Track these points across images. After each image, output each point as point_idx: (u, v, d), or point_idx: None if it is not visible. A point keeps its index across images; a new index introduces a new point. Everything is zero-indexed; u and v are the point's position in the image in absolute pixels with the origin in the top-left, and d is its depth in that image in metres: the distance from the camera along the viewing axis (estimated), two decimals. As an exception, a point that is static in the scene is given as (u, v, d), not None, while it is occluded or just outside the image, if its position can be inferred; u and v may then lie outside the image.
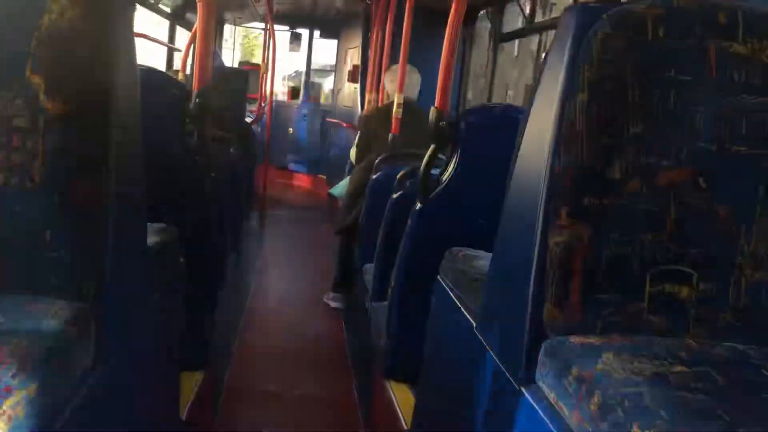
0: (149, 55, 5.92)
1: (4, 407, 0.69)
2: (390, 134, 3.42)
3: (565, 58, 1.04)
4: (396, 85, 3.71)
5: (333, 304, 3.87)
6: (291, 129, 8.74)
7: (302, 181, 8.54)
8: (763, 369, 0.88)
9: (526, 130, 1.16)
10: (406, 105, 3.68)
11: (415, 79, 3.83)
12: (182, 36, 6.10)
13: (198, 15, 2.01)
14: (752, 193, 1.01)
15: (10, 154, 0.93)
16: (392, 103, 3.68)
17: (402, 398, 2.07)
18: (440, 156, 2.28)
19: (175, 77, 4.51)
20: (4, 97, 0.93)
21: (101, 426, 1.01)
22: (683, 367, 0.86)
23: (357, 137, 3.93)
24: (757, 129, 1.01)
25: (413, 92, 3.82)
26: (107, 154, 0.97)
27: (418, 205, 2.16)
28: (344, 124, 7.40)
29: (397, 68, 3.79)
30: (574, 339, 0.96)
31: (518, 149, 1.19)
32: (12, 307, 0.89)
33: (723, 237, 1.01)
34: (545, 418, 0.93)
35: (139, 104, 1.15)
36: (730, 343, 0.99)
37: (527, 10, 4.18)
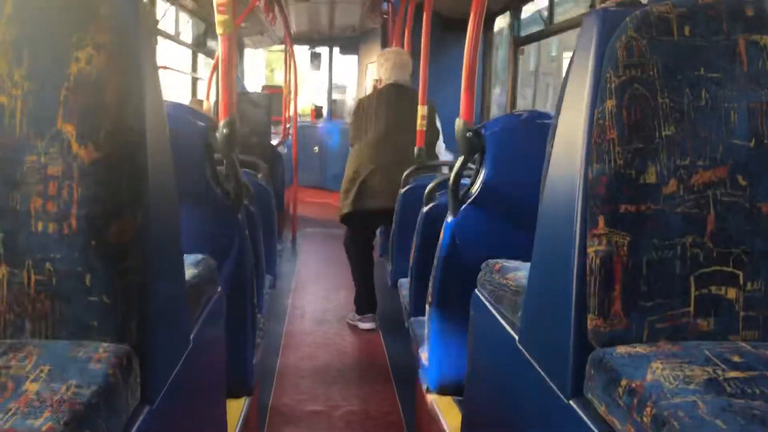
0: (173, 82, 6.03)
1: None
2: (416, 148, 3.42)
3: (590, 64, 1.02)
4: (384, 70, 3.69)
5: (362, 326, 3.79)
6: (317, 148, 8.80)
7: (331, 198, 8.59)
8: None
9: (556, 138, 1.15)
10: (401, 88, 3.67)
11: (405, 60, 3.79)
12: (204, 62, 6.20)
13: (220, 47, 2.03)
14: None
15: (47, 203, 0.95)
16: (385, 86, 3.67)
17: (447, 411, 2.05)
18: (470, 166, 2.27)
19: (199, 107, 4.58)
20: (38, 147, 0.95)
21: None
22: (738, 372, 0.84)
23: (351, 120, 3.89)
24: None
25: (405, 74, 3.74)
26: (141, 196, 0.99)
27: (450, 218, 2.16)
28: None
29: (386, 52, 3.82)
30: (621, 349, 0.95)
31: (549, 158, 1.18)
32: (58, 353, 0.90)
33: (766, 233, 0.98)
34: (595, 431, 0.91)
35: (168, 142, 1.16)
36: None
37: (545, 13, 4.16)
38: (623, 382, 0.88)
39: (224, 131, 1.94)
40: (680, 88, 0.98)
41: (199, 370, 1.39)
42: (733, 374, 0.83)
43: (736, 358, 0.87)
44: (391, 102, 3.61)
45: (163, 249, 1.07)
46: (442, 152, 3.81)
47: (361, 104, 3.74)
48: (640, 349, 0.93)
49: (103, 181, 0.96)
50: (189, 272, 1.41)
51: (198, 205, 1.85)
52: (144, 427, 0.94)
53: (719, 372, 0.84)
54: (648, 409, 0.81)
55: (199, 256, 1.58)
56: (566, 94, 1.12)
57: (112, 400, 0.86)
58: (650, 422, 0.80)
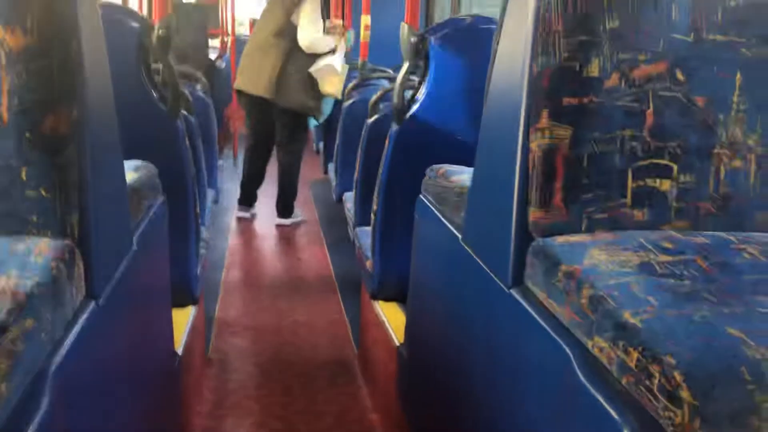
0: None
1: (4, 343, 0.69)
2: (360, 59, 3.37)
3: None
4: None
5: (240, 215, 4.22)
6: None
7: None
8: (745, 252, 0.90)
9: (502, 34, 1.15)
10: None
11: None
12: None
13: None
14: (729, 82, 1.01)
15: None
16: None
17: (391, 316, 2.11)
18: (412, 77, 2.25)
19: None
20: None
21: (99, 359, 1.02)
22: (668, 256, 0.88)
23: None
24: (732, 16, 1.01)
25: None
26: (76, 87, 0.95)
27: (395, 127, 2.15)
28: None
29: None
30: (561, 239, 0.98)
31: (494, 55, 1.18)
32: None
33: (701, 127, 1.02)
34: (536, 316, 0.95)
35: (103, 36, 1.11)
36: (712, 231, 1.02)
37: None
38: (562, 268, 0.91)
39: (159, 33, 1.86)
40: None
41: (144, 274, 1.38)
42: (664, 258, 0.88)
43: (667, 245, 0.92)
44: None
45: (101, 144, 1.03)
46: (316, 40, 3.72)
47: None
48: (578, 238, 0.97)
49: (34, 70, 0.91)
50: (130, 176, 1.37)
51: (133, 110, 1.79)
52: (89, 322, 0.93)
53: (652, 256, 0.88)
54: (585, 291, 0.85)
55: (140, 162, 1.54)
56: None
57: (56, 291, 0.85)
58: (587, 303, 0.84)
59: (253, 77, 3.74)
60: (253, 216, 4.28)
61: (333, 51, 3.73)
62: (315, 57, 3.69)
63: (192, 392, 2.00)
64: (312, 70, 3.69)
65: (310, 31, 3.62)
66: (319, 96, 3.78)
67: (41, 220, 0.94)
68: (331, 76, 3.66)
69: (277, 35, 3.66)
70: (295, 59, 3.67)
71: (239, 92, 3.88)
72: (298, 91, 3.69)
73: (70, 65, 0.93)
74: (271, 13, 3.75)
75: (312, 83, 3.72)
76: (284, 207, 4.12)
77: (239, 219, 4.28)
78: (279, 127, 3.90)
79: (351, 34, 4.09)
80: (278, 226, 4.16)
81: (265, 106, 3.79)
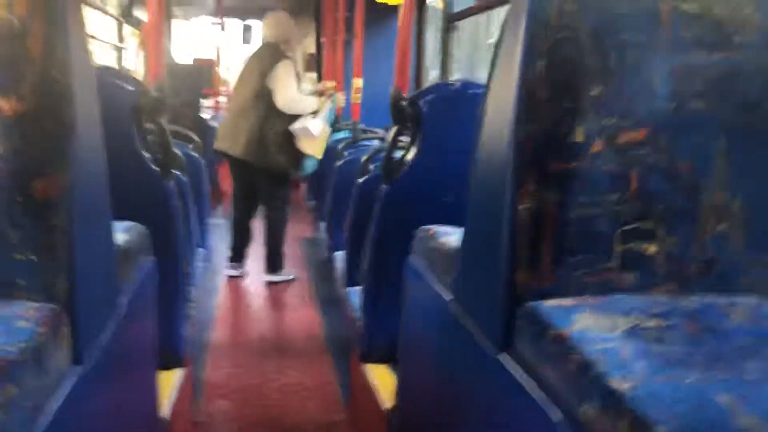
0: (98, 54, 5.80)
1: None
2: (351, 120, 3.43)
3: (522, 27, 1.05)
4: (270, 31, 3.95)
5: (227, 272, 4.23)
6: None
7: None
8: (732, 317, 0.90)
9: (488, 101, 1.17)
10: (264, 46, 3.95)
11: (278, 20, 4.01)
12: (131, 33, 5.98)
13: (148, 11, 1.97)
14: (711, 147, 1.04)
15: None
16: (264, 46, 3.96)
17: (381, 379, 2.08)
18: (401, 138, 2.29)
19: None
20: None
21: (83, 426, 1.00)
22: (656, 321, 0.89)
23: None
24: (712, 85, 1.04)
25: (276, 34, 3.96)
26: (68, 152, 0.96)
27: (385, 187, 2.17)
28: None
29: (273, 14, 4.01)
30: (549, 302, 0.98)
31: (481, 121, 1.20)
32: None
33: (686, 192, 1.04)
34: (525, 381, 0.94)
35: (97, 101, 1.13)
36: (699, 294, 1.02)
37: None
38: (551, 333, 0.91)
39: (153, 95, 1.89)
40: (607, 50, 1.02)
41: (131, 337, 1.36)
42: (652, 323, 0.88)
43: (655, 309, 0.92)
44: (248, 59, 3.99)
45: (91, 208, 1.04)
46: (295, 102, 3.82)
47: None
48: (567, 301, 0.97)
49: (27, 135, 0.92)
50: (120, 237, 1.37)
51: (126, 171, 1.80)
52: (74, 389, 0.92)
53: (640, 321, 0.88)
54: (574, 356, 0.84)
55: (130, 223, 1.54)
56: (498, 56, 1.14)
57: (41, 358, 0.83)
58: (576, 368, 0.83)
59: (231, 139, 3.85)
60: (244, 274, 4.27)
61: (315, 113, 3.81)
62: (295, 117, 3.78)
63: None
64: (291, 128, 3.77)
65: (284, 93, 3.73)
66: (298, 155, 3.85)
67: (28, 284, 0.94)
68: (308, 137, 3.74)
69: (254, 98, 3.78)
70: (273, 121, 3.78)
71: (222, 153, 3.99)
72: (275, 153, 3.79)
73: (63, 131, 0.95)
74: (248, 77, 3.87)
75: (290, 142, 3.82)
76: (272, 263, 4.15)
77: (229, 277, 4.25)
78: (260, 186, 3.99)
79: (340, 96, 4.20)
80: (268, 283, 4.14)
81: (244, 167, 3.90)
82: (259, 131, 3.76)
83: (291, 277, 4.21)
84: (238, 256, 4.23)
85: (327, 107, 3.87)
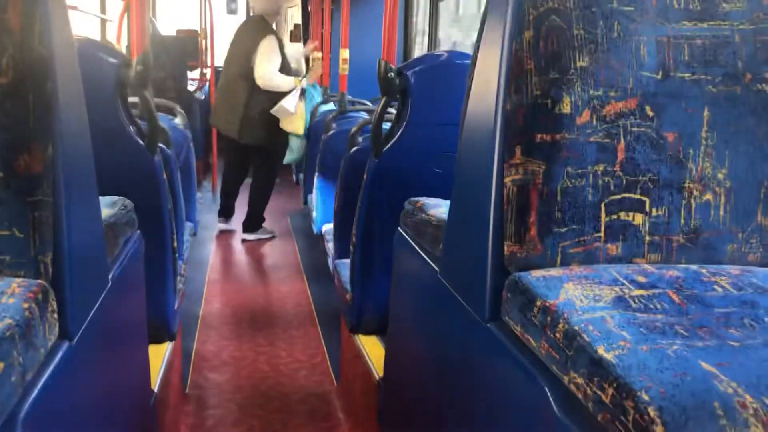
0: (79, 30, 5.70)
1: None
2: (339, 92, 3.41)
3: None
4: (258, 3, 4.01)
5: (219, 227, 4.58)
6: None
7: None
8: (716, 285, 0.92)
9: (475, 72, 1.17)
10: (252, 18, 4.08)
11: None
12: (114, 6, 5.88)
13: None
14: (698, 117, 1.04)
15: None
16: (251, 19, 4.13)
17: (371, 350, 2.10)
18: (390, 110, 2.27)
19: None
20: None
21: (73, 401, 1.00)
22: (641, 290, 0.89)
23: None
24: (698, 54, 1.04)
25: (267, 6, 4.02)
26: (51, 126, 0.94)
27: (373, 160, 2.16)
28: None
29: None
30: (536, 273, 0.99)
31: (468, 92, 1.20)
32: None
33: (672, 162, 1.04)
34: (513, 350, 0.96)
35: (78, 74, 1.11)
36: (684, 263, 1.03)
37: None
38: (537, 303, 0.92)
39: (137, 68, 1.86)
40: (595, 20, 1.01)
41: (120, 311, 1.36)
42: (637, 292, 0.89)
43: (640, 278, 0.93)
44: (235, 34, 4.13)
45: (76, 182, 1.03)
46: (270, 79, 3.97)
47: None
48: (553, 272, 0.98)
49: (8, 110, 0.91)
50: (105, 212, 1.36)
51: (111, 144, 1.78)
52: (63, 363, 0.92)
53: (626, 291, 0.89)
54: (560, 326, 0.85)
55: (116, 198, 1.53)
56: (486, 28, 1.13)
57: (28, 333, 0.83)
58: (562, 337, 0.84)
59: (222, 117, 4.11)
60: (231, 228, 4.62)
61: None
62: (277, 95, 3.94)
63: (169, 430, 1.97)
64: (272, 111, 3.97)
65: (261, 69, 3.87)
66: (281, 132, 4.10)
67: (14, 260, 0.94)
68: (287, 115, 3.92)
69: (240, 77, 3.95)
70: (257, 99, 3.96)
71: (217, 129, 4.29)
72: (261, 129, 4.01)
73: (45, 104, 0.93)
74: (235, 56, 4.02)
75: (274, 120, 4.03)
76: (248, 224, 4.46)
77: (219, 237, 4.50)
78: (249, 158, 4.29)
79: (317, 65, 4.41)
80: (244, 241, 4.49)
81: (235, 143, 4.15)
82: (244, 110, 3.95)
83: (267, 235, 4.51)
84: (226, 212, 4.58)
85: (302, 85, 4.00)
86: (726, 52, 1.04)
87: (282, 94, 3.92)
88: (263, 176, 4.31)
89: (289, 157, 4.35)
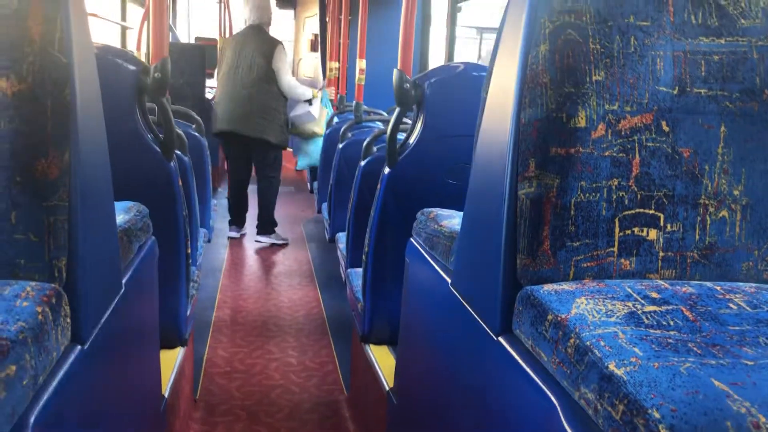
0: (100, 37, 5.77)
1: None
2: (355, 101, 3.43)
3: (525, 10, 1.04)
4: (246, 11, 4.29)
5: (229, 234, 4.74)
6: None
7: None
8: (730, 303, 0.91)
9: (491, 85, 1.17)
10: (252, 29, 4.30)
11: (263, 4, 4.36)
12: (134, 14, 5.95)
13: None
14: (714, 133, 1.03)
15: None
16: (244, 28, 4.36)
17: (381, 359, 2.10)
18: (405, 120, 2.28)
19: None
20: None
21: (84, 405, 1.00)
22: (654, 306, 0.89)
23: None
24: (715, 70, 1.03)
25: (262, 16, 4.34)
26: (68, 132, 0.96)
27: (387, 170, 2.17)
28: None
29: None
30: (548, 287, 0.98)
31: (483, 104, 1.20)
32: None
33: (687, 178, 1.03)
34: (523, 364, 0.95)
35: (97, 80, 1.13)
36: (698, 280, 1.03)
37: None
38: (549, 317, 0.91)
39: (156, 75, 1.88)
40: (611, 34, 1.01)
41: (132, 316, 1.37)
42: (650, 308, 0.88)
43: (654, 294, 0.92)
44: (235, 41, 4.32)
45: (92, 188, 1.04)
46: (295, 87, 4.31)
47: (224, 43, 4.56)
48: (566, 286, 0.97)
49: (27, 115, 0.92)
50: (120, 218, 1.38)
51: (128, 151, 1.80)
52: (75, 368, 0.93)
53: (638, 306, 0.88)
54: (572, 340, 0.85)
55: (131, 203, 1.55)
56: (501, 40, 1.13)
57: (41, 337, 0.84)
58: (573, 352, 0.83)
59: (242, 119, 4.19)
60: (243, 235, 4.80)
61: (310, 101, 4.29)
62: (287, 101, 4.28)
63: None
64: (292, 115, 4.30)
65: (287, 78, 4.21)
66: (289, 133, 4.41)
67: (29, 264, 0.94)
68: (310, 120, 4.27)
69: (263, 82, 4.16)
70: (282, 103, 4.26)
71: (220, 133, 4.33)
72: (282, 130, 4.27)
73: (63, 110, 0.94)
74: (251, 64, 4.18)
75: (287, 121, 4.33)
76: (261, 225, 4.60)
77: (231, 245, 4.57)
78: (258, 160, 4.45)
79: (331, 90, 4.71)
80: (257, 242, 4.65)
81: (245, 144, 4.32)
82: (274, 113, 4.19)
83: (281, 241, 4.64)
84: (239, 220, 4.73)
85: (320, 94, 4.36)
86: (743, 68, 1.04)
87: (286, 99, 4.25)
88: (272, 177, 4.50)
89: (303, 162, 4.58)
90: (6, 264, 0.94)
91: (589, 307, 0.89)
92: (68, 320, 0.95)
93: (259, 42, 4.19)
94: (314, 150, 4.46)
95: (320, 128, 4.38)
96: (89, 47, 1.08)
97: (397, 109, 2.14)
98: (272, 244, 4.61)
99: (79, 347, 0.97)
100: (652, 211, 1.03)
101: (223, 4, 6.93)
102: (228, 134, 4.29)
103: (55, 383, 0.86)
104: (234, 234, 4.72)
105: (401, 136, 2.22)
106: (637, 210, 1.03)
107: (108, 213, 1.19)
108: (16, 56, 0.92)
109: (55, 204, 0.94)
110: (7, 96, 0.91)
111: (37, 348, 0.83)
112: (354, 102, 3.65)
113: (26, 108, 0.92)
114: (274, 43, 4.17)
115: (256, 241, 4.64)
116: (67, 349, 0.95)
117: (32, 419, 0.78)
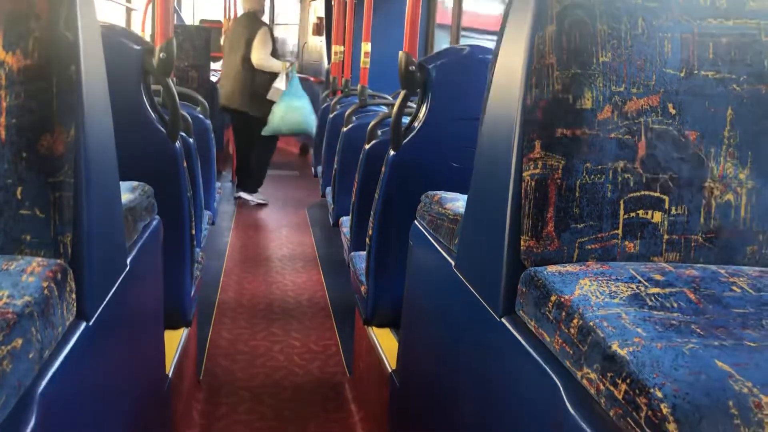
0: (105, 14, 5.76)
1: None
2: (359, 85, 3.41)
3: None
4: (248, 3, 4.89)
5: (236, 194, 5.39)
6: None
7: None
8: (734, 285, 0.91)
9: (497, 66, 1.16)
10: (245, 15, 4.99)
11: None
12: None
13: None
14: (720, 116, 1.03)
15: None
16: (245, 15, 5.02)
17: (384, 342, 2.11)
18: (410, 104, 2.27)
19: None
20: None
21: (88, 381, 1.01)
22: (659, 288, 0.89)
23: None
24: (723, 52, 1.02)
25: (254, 4, 4.96)
26: (74, 108, 0.96)
27: (392, 153, 2.16)
28: (311, 78, 7.31)
29: None
30: (552, 268, 0.99)
31: (489, 86, 1.19)
32: None
33: (693, 161, 1.03)
34: (526, 345, 0.95)
35: (102, 59, 1.12)
36: (702, 263, 1.02)
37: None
38: (552, 298, 0.91)
39: (161, 56, 1.87)
40: (619, 15, 1.00)
41: (137, 295, 1.38)
42: (654, 290, 0.88)
43: (658, 277, 0.92)
44: (232, 27, 5.10)
45: (97, 165, 1.04)
46: (265, 60, 4.89)
47: (227, 28, 5.50)
48: (569, 268, 0.97)
49: (33, 90, 0.92)
50: (125, 197, 1.38)
51: (132, 131, 1.80)
52: (80, 343, 0.93)
53: (642, 288, 0.89)
54: (575, 321, 0.85)
55: (136, 183, 1.55)
56: (508, 21, 1.13)
57: (47, 311, 0.85)
58: (576, 333, 0.84)
59: (231, 95, 4.98)
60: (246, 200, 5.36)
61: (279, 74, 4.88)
62: (271, 76, 4.89)
63: (181, 416, 1.99)
64: (268, 96, 4.90)
65: (257, 55, 4.86)
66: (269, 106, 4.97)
67: (35, 240, 0.95)
68: (278, 93, 4.88)
69: (243, 62, 4.88)
70: (261, 79, 4.89)
71: (224, 107, 5.10)
72: (265, 103, 4.89)
73: (69, 87, 0.94)
74: (236, 45, 4.93)
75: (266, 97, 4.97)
76: (247, 183, 5.30)
77: (236, 241, 4.49)
78: (247, 129, 5.06)
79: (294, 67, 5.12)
80: (236, 198, 5.32)
81: (241, 116, 5.02)
82: (250, 88, 4.90)
83: (261, 200, 5.29)
84: (241, 183, 5.36)
85: (291, 67, 5.01)
86: (752, 51, 1.03)
87: (276, 76, 4.87)
88: (264, 144, 5.13)
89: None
90: (12, 239, 0.94)
91: (592, 289, 0.89)
92: (73, 296, 0.96)
93: (248, 26, 4.87)
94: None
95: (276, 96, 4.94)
96: (95, 26, 1.08)
97: (403, 92, 2.13)
98: (254, 203, 5.26)
99: (84, 323, 0.98)
100: (657, 194, 1.03)
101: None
102: (225, 109, 5.09)
103: (60, 358, 0.87)
104: (241, 194, 5.31)
105: (406, 119, 2.22)
106: (643, 192, 1.03)
107: (113, 191, 1.19)
108: (22, 31, 0.92)
109: (61, 180, 0.95)
110: (13, 71, 0.91)
111: (43, 322, 0.83)
112: (359, 86, 3.64)
113: (32, 84, 0.92)
114: (257, 27, 4.87)
115: (236, 196, 5.30)
116: (72, 324, 0.95)
117: (38, 392, 0.78)
